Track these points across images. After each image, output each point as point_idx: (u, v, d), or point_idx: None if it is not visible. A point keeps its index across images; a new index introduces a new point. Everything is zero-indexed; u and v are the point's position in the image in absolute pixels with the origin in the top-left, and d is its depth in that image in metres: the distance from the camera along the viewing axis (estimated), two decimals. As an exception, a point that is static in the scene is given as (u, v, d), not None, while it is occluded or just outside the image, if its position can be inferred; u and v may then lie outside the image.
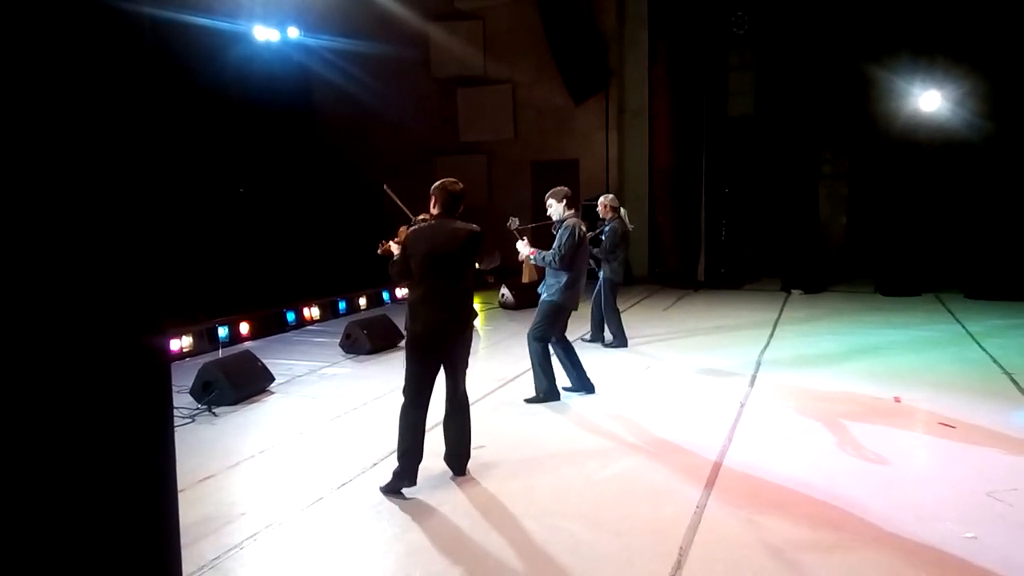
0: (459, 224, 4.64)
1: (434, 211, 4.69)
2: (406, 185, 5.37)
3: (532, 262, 6.44)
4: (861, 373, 7.26)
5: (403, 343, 8.86)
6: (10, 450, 1.78)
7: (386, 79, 14.86)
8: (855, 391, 6.66)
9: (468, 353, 4.79)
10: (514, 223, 6.55)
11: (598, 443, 5.47)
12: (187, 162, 11.20)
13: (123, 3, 2.03)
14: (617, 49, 14.44)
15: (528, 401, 6.41)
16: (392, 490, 4.55)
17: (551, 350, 6.47)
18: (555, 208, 6.46)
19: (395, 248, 4.86)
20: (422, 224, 4.70)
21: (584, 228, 6.40)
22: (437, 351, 4.62)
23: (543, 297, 6.38)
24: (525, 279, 6.74)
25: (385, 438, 5.54)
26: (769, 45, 13.41)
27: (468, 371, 4.84)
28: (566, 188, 6.60)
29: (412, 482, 4.57)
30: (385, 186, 5.27)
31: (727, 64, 13.79)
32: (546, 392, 6.42)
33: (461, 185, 4.73)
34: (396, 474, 4.57)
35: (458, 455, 4.84)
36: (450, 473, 4.80)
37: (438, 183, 4.72)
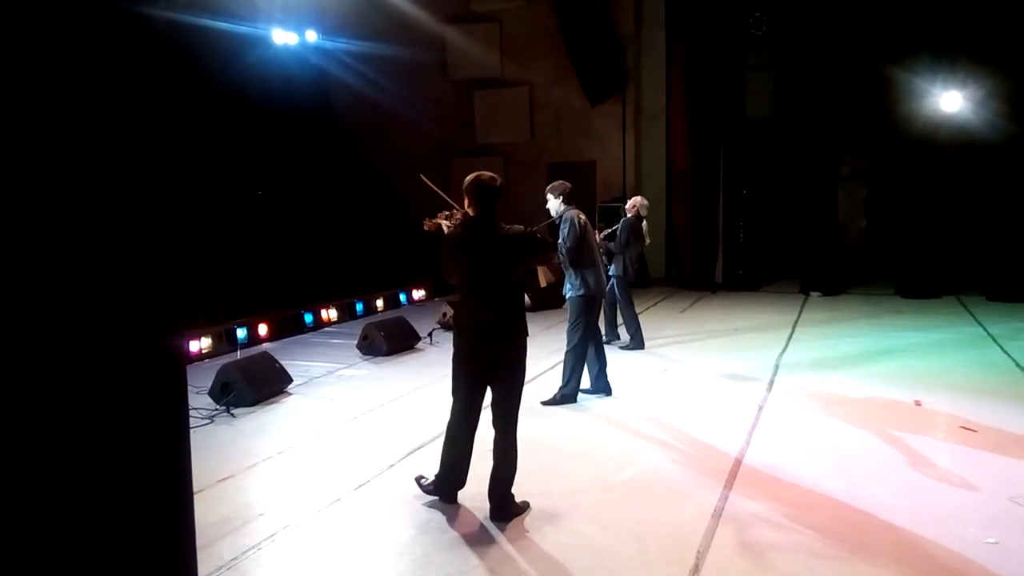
0: (499, 228, 4.11)
1: (468, 211, 4.18)
2: (421, 187, 5.32)
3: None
4: (881, 376, 7.19)
5: (420, 344, 8.98)
6: (24, 450, 1.79)
7: (403, 81, 14.90)
8: (875, 394, 6.60)
9: (518, 380, 4.26)
10: None
11: (615, 446, 5.45)
12: (207, 165, 11.29)
13: (136, 6, 2.04)
14: (634, 50, 14.41)
15: (545, 403, 6.40)
16: (427, 492, 4.48)
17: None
18: (553, 204, 6.34)
19: (444, 225, 4.53)
20: (457, 226, 4.29)
21: (583, 217, 6.35)
22: (481, 371, 4.23)
23: (570, 295, 6.36)
24: (543, 283, 6.71)
25: (402, 439, 5.57)
26: (787, 46, 13.33)
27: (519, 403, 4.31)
28: (566, 183, 6.44)
29: (446, 499, 4.41)
30: (422, 175, 4.99)
31: (745, 65, 13.70)
32: (565, 394, 6.42)
33: (495, 178, 4.18)
34: (435, 481, 4.45)
35: (493, 495, 4.29)
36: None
37: (470, 177, 4.15)
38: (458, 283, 4.23)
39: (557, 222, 6.36)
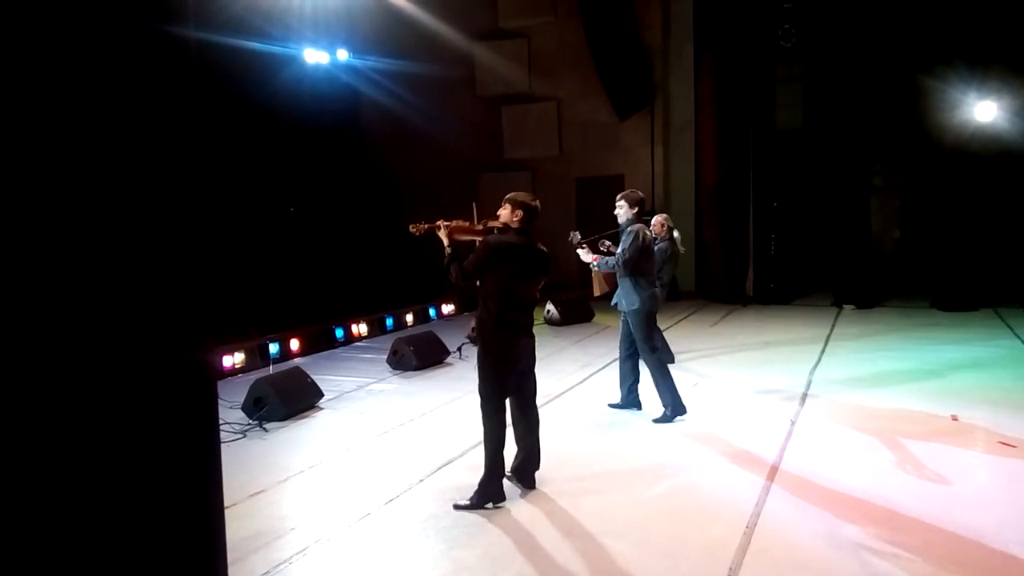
0: (539, 246, 4.70)
1: (516, 225, 4.63)
2: (451, 202, 5.35)
3: (595, 268, 6.37)
4: (916, 391, 7.07)
5: (450, 359, 8.99)
6: (57, 464, 1.82)
7: (432, 98, 15.05)
8: (910, 409, 6.48)
9: (534, 361, 4.87)
10: (575, 237, 6.49)
11: (645, 461, 5.41)
12: (240, 182, 11.48)
13: (171, 27, 2.09)
14: (662, 64, 14.41)
15: (656, 421, 6.23)
16: (474, 505, 4.58)
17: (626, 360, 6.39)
18: (624, 211, 6.18)
19: (444, 238, 4.70)
20: (506, 238, 4.61)
21: (650, 235, 6.29)
22: (515, 369, 4.70)
23: (627, 310, 6.22)
24: (596, 291, 6.63)
25: (432, 454, 5.58)
26: (817, 57, 13.24)
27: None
28: (640, 193, 6.38)
29: (500, 498, 4.63)
30: (474, 204, 5.04)
31: (774, 77, 13.62)
32: (673, 407, 6.23)
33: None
34: (482, 487, 4.63)
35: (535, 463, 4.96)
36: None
37: (520, 196, 4.68)
38: (495, 287, 4.54)
39: (622, 231, 6.18)
